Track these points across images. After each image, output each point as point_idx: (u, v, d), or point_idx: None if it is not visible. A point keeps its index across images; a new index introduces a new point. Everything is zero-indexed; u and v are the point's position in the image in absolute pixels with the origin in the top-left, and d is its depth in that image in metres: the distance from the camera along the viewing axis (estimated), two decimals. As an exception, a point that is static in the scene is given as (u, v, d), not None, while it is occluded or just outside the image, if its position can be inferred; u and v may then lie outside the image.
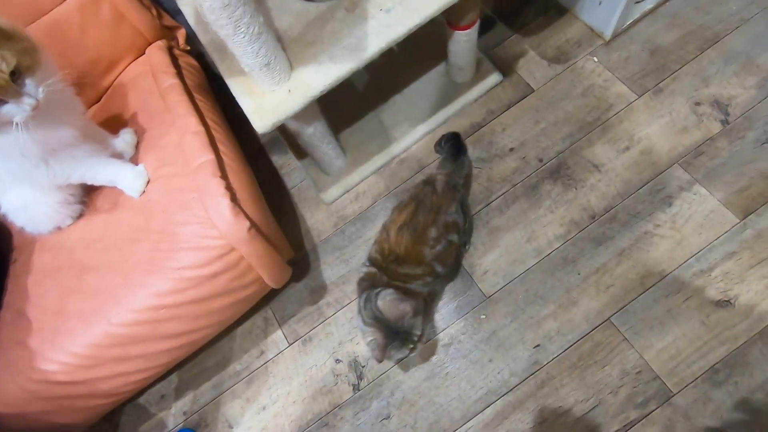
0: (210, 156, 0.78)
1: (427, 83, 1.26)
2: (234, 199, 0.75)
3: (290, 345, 1.10)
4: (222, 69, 0.87)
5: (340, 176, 1.22)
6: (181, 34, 1.03)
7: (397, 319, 0.82)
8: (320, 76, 0.83)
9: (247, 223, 0.75)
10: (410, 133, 1.23)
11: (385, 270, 0.91)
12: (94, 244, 0.83)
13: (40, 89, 0.62)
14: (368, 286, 0.90)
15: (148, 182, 0.81)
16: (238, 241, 0.75)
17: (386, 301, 0.82)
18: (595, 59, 1.22)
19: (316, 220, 1.22)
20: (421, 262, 0.91)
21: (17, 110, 0.60)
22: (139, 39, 0.95)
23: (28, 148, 0.67)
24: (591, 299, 1.01)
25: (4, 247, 0.96)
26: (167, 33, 0.99)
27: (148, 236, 0.78)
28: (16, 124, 0.61)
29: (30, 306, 0.83)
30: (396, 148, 1.22)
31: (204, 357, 1.12)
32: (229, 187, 0.75)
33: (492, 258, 1.08)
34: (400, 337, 0.83)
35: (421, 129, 1.23)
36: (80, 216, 0.89)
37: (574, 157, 1.14)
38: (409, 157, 1.23)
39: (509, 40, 1.29)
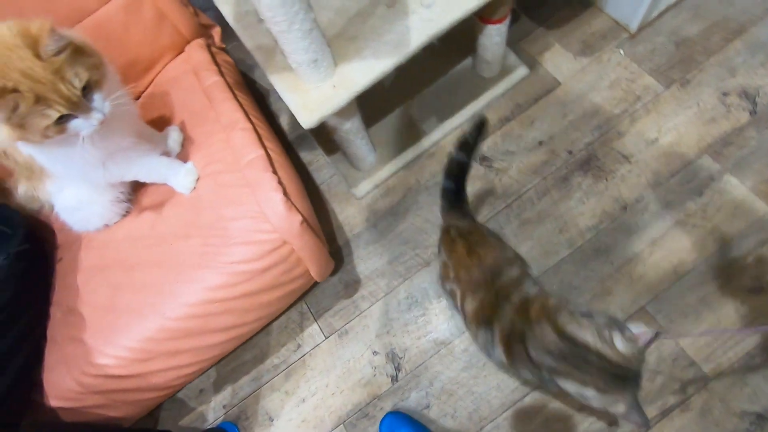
0: (260, 152, 0.79)
1: (455, 78, 1.27)
2: (286, 193, 0.76)
3: (327, 338, 1.12)
4: (266, 66, 0.88)
5: (371, 171, 1.23)
6: (216, 32, 1.04)
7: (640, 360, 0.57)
8: (363, 71, 0.84)
9: (300, 217, 0.77)
10: (439, 128, 1.24)
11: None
12: (142, 240, 0.85)
13: (107, 103, 0.63)
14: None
15: (197, 179, 0.82)
16: (290, 235, 0.77)
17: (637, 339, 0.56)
18: (621, 51, 1.23)
19: (347, 214, 1.23)
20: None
21: (85, 125, 0.61)
22: (178, 38, 0.96)
23: (89, 154, 0.68)
24: (625, 289, 1.03)
25: (46, 246, 0.98)
26: (204, 31, 1.00)
27: (198, 232, 0.79)
28: (82, 137, 0.62)
29: (81, 303, 0.84)
30: (425, 143, 1.24)
31: (241, 351, 1.13)
32: (280, 182, 0.77)
33: (524, 250, 1.10)
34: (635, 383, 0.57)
35: (450, 123, 1.24)
36: (125, 214, 0.90)
37: (603, 149, 1.15)
38: (438, 151, 1.24)
39: (534, 34, 1.31)
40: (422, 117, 1.26)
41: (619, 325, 0.57)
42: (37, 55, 0.57)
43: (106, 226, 0.90)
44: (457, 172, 0.84)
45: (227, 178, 0.79)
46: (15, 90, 0.55)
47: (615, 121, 1.17)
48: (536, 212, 1.13)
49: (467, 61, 1.27)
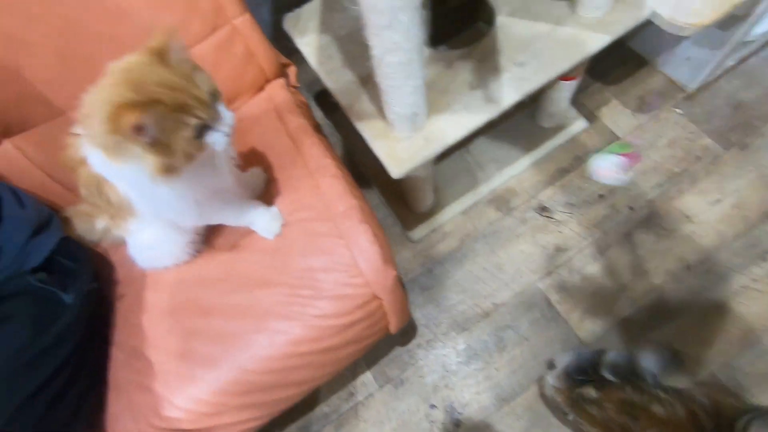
0: (353, 201, 0.77)
1: (514, 125, 1.28)
2: (382, 246, 0.74)
3: (380, 387, 1.08)
4: (350, 111, 0.88)
5: (428, 214, 1.22)
6: (291, 71, 1.03)
7: None
8: (455, 124, 0.84)
9: (394, 272, 0.74)
10: (497, 175, 1.24)
11: None
12: (219, 284, 0.81)
13: (231, 114, 0.61)
14: None
15: (282, 224, 0.80)
16: (383, 290, 0.74)
17: None
18: (679, 111, 1.26)
19: (401, 258, 1.21)
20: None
21: (219, 137, 0.60)
22: (260, 76, 0.95)
23: (191, 189, 0.66)
24: (691, 352, 1.01)
25: (104, 280, 0.93)
26: (282, 70, 1.00)
27: (283, 280, 0.76)
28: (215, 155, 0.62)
29: (149, 347, 0.80)
30: (484, 189, 1.23)
31: (290, 397, 1.08)
32: (376, 234, 0.75)
33: (585, 306, 1.08)
34: None
35: (508, 171, 1.24)
36: (196, 254, 0.87)
37: (665, 207, 1.15)
38: (496, 198, 1.23)
39: (592, 88, 1.33)
40: (481, 163, 1.26)
41: None
42: (167, 65, 0.56)
43: (176, 265, 0.86)
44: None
45: (318, 227, 0.77)
46: (157, 101, 0.54)
47: (676, 180, 1.18)
48: (599, 268, 1.11)
49: (527, 109, 1.29)
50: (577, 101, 1.31)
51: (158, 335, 0.81)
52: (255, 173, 0.85)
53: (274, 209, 0.81)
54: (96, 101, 0.56)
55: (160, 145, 0.55)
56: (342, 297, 0.74)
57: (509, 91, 0.85)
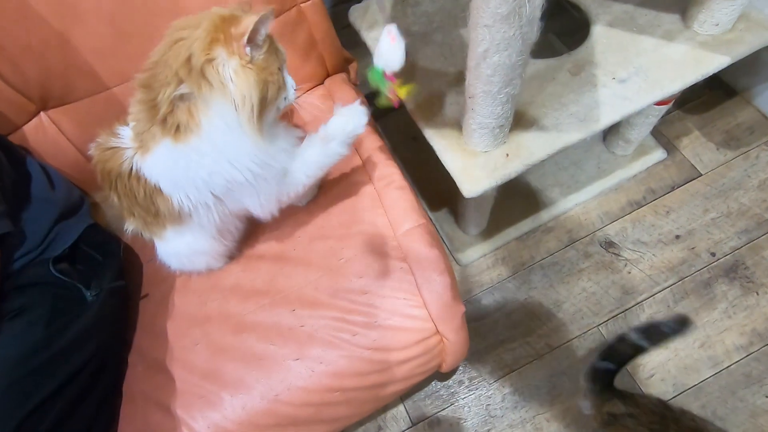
0: (422, 220, 0.67)
1: (583, 149, 1.17)
2: (452, 277, 0.64)
3: (413, 425, 0.96)
4: (421, 118, 0.78)
5: (480, 237, 1.11)
6: (353, 68, 0.94)
7: None
8: (542, 142, 0.73)
9: (463, 308, 0.64)
10: (561, 201, 1.12)
11: None
12: (257, 297, 0.72)
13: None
14: None
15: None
16: (448, 327, 0.63)
17: None
18: (772, 151, 1.12)
19: (447, 281, 1.10)
20: None
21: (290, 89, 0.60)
22: (320, 69, 0.86)
23: (269, 152, 0.60)
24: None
25: (127, 275, 0.85)
26: (344, 65, 0.91)
27: (334, 302, 0.66)
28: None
29: (171, 359, 0.71)
30: (544, 215, 1.12)
31: (312, 423, 0.98)
32: (446, 263, 0.64)
33: (659, 360, 0.95)
34: None
35: (574, 199, 1.12)
36: (232, 257, 0.78)
37: (753, 257, 1.02)
38: (557, 227, 1.12)
39: (671, 115, 1.20)
40: (543, 187, 1.14)
41: None
42: None
43: (210, 269, 0.77)
44: (623, 357, 0.69)
45: (378, 245, 0.67)
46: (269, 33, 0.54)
47: (766, 228, 1.04)
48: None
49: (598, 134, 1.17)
50: (654, 128, 1.19)
51: (184, 347, 0.72)
52: None
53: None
54: (164, 50, 0.52)
55: (260, 64, 0.53)
56: (398, 329, 0.64)
57: (607, 111, 0.74)
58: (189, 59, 0.50)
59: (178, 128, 0.54)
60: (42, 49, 0.69)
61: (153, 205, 0.60)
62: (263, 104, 0.54)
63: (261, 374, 0.66)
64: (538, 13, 0.49)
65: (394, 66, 0.60)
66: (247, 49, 0.51)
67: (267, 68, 0.54)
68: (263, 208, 0.64)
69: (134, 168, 0.59)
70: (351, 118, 0.62)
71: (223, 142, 0.54)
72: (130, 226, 0.71)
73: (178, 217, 0.61)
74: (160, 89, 0.52)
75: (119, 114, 0.64)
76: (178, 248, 0.70)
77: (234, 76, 0.51)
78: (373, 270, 0.66)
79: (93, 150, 0.64)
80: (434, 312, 0.63)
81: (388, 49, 0.58)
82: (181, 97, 0.52)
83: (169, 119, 0.54)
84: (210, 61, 0.50)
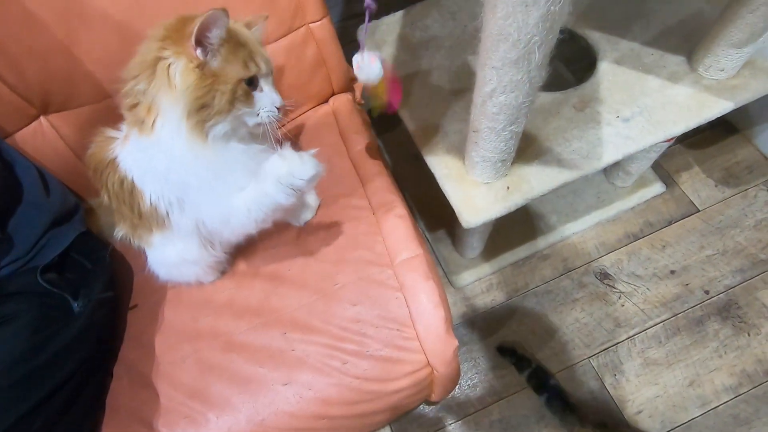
0: (419, 250, 0.67)
1: (582, 178, 1.16)
2: (446, 310, 0.63)
3: (399, 449, 0.96)
4: (423, 144, 0.78)
5: (476, 261, 1.11)
6: (358, 87, 0.94)
7: None
8: (544, 176, 0.73)
9: (456, 342, 0.63)
10: (558, 229, 1.12)
11: None
12: (250, 315, 0.71)
13: (279, 98, 0.60)
14: None
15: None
16: (441, 361, 0.63)
17: None
18: (770, 191, 1.13)
19: (440, 303, 1.09)
20: None
21: (267, 102, 0.59)
22: (326, 88, 0.86)
23: (226, 166, 0.60)
24: (766, 474, 0.87)
25: (118, 284, 0.83)
26: (349, 84, 0.91)
27: (327, 328, 0.66)
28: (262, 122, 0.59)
29: (158, 374, 0.70)
30: (541, 242, 1.12)
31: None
32: (441, 296, 0.64)
33: (648, 395, 0.95)
34: None
35: (571, 227, 1.12)
36: (224, 272, 0.78)
37: (746, 297, 1.02)
38: (553, 254, 1.11)
39: (672, 149, 1.21)
40: (542, 213, 1.14)
41: None
42: (248, 27, 0.59)
43: (200, 283, 0.77)
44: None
45: (374, 273, 0.67)
46: (240, 43, 0.55)
47: (761, 268, 1.04)
48: (664, 353, 0.99)
49: (599, 164, 1.17)
50: (654, 161, 1.19)
51: (171, 363, 0.71)
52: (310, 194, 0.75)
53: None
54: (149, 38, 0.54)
55: (209, 72, 0.52)
56: (390, 360, 0.63)
57: (610, 149, 0.74)
58: (143, 59, 0.52)
59: (142, 122, 0.55)
60: (46, 54, 0.68)
61: (133, 201, 0.60)
62: (204, 112, 0.53)
63: (248, 397, 0.65)
64: (547, 60, 0.49)
65: (375, 79, 0.62)
66: (198, 51, 0.51)
67: (219, 76, 0.52)
68: (220, 224, 0.63)
69: (115, 156, 0.60)
70: (290, 163, 0.53)
71: (171, 140, 0.55)
72: (120, 232, 0.70)
73: (160, 220, 0.60)
74: (129, 81, 0.54)
75: (120, 121, 0.64)
76: (167, 256, 0.69)
77: (179, 77, 0.51)
78: (367, 298, 0.66)
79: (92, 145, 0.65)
80: (427, 345, 0.62)
81: (366, 66, 0.61)
82: (143, 93, 0.53)
83: (134, 112, 0.55)
84: (160, 59, 0.51)
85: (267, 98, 0.58)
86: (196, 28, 0.48)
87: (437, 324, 0.62)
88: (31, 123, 0.75)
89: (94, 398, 0.68)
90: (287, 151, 0.55)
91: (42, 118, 0.76)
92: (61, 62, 0.70)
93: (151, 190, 0.60)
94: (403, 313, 0.63)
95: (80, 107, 0.76)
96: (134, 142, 0.58)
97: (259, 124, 0.59)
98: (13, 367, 0.60)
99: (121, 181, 0.61)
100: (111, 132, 0.63)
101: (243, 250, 0.78)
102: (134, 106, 0.55)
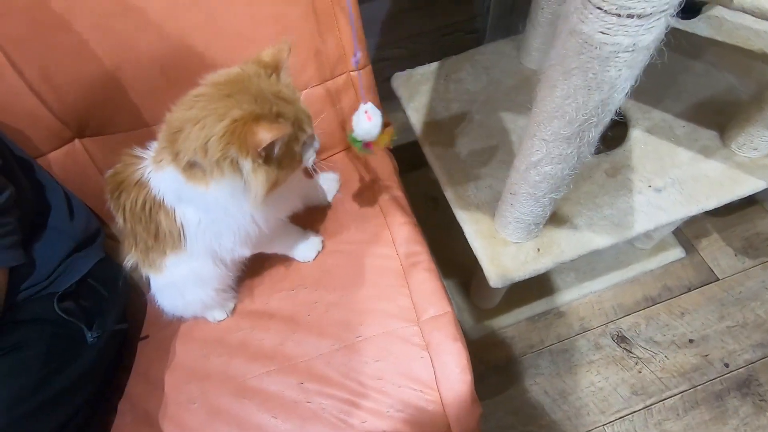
0: (448, 308, 0.65)
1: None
2: (472, 375, 0.61)
3: None
4: (455, 199, 0.78)
5: (491, 313, 1.09)
6: (388, 132, 0.94)
7: None
8: (575, 241, 0.73)
9: (480, 410, 0.61)
10: (576, 287, 1.11)
11: None
12: (264, 360, 0.69)
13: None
14: None
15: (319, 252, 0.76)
16: (463, 429, 0.60)
17: None
18: (790, 265, 1.12)
19: (451, 354, 1.06)
20: None
21: (311, 153, 0.59)
22: (359, 131, 0.86)
23: (274, 207, 0.61)
24: None
25: (130, 314, 0.81)
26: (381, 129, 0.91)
27: (345, 383, 0.63)
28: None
29: (164, 415, 0.67)
30: (558, 299, 1.10)
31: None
32: (468, 359, 0.62)
33: (664, 473, 0.91)
34: None
35: (589, 286, 1.11)
36: (231, 311, 0.76)
37: (767, 374, 0.99)
38: (569, 313, 1.09)
39: (692, 216, 1.20)
40: (560, 269, 1.13)
41: None
42: (277, 79, 0.54)
43: (217, 320, 0.75)
44: None
45: (399, 328, 0.65)
46: (280, 114, 0.51)
47: (782, 344, 1.02)
48: (682, 427, 0.95)
49: (618, 224, 1.17)
50: (676, 227, 1.19)
51: (179, 404, 0.68)
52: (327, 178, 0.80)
53: (317, 239, 0.76)
54: (195, 116, 0.50)
55: (274, 161, 0.51)
56: (410, 422, 0.61)
57: (642, 218, 0.74)
58: (206, 148, 0.49)
59: (191, 174, 0.53)
60: (90, 84, 0.69)
61: (153, 221, 0.59)
62: (272, 189, 0.53)
63: (255, 449, 0.62)
64: (598, 137, 0.49)
65: (372, 138, 0.63)
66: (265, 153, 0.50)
67: (283, 160, 0.53)
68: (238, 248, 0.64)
69: (144, 177, 0.59)
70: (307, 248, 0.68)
71: (225, 201, 0.55)
72: (130, 260, 0.68)
73: (178, 239, 0.59)
74: (181, 148, 0.52)
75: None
76: (175, 280, 0.67)
77: (250, 176, 0.51)
78: (390, 354, 0.64)
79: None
80: (451, 411, 0.60)
81: (365, 126, 0.61)
82: (202, 167, 0.52)
83: (185, 168, 0.54)
84: (225, 158, 0.49)
85: (311, 149, 0.58)
86: (263, 145, 0.47)
87: (463, 389, 0.59)
88: (64, 145, 0.76)
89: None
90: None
91: (77, 141, 0.76)
92: (104, 92, 0.71)
93: (182, 213, 0.59)
94: (428, 374, 0.61)
95: (115, 133, 0.76)
96: (174, 176, 0.55)
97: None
98: (18, 402, 0.57)
99: (144, 202, 0.59)
100: (138, 150, 0.62)
101: (259, 290, 0.77)
102: (185, 166, 0.53)
